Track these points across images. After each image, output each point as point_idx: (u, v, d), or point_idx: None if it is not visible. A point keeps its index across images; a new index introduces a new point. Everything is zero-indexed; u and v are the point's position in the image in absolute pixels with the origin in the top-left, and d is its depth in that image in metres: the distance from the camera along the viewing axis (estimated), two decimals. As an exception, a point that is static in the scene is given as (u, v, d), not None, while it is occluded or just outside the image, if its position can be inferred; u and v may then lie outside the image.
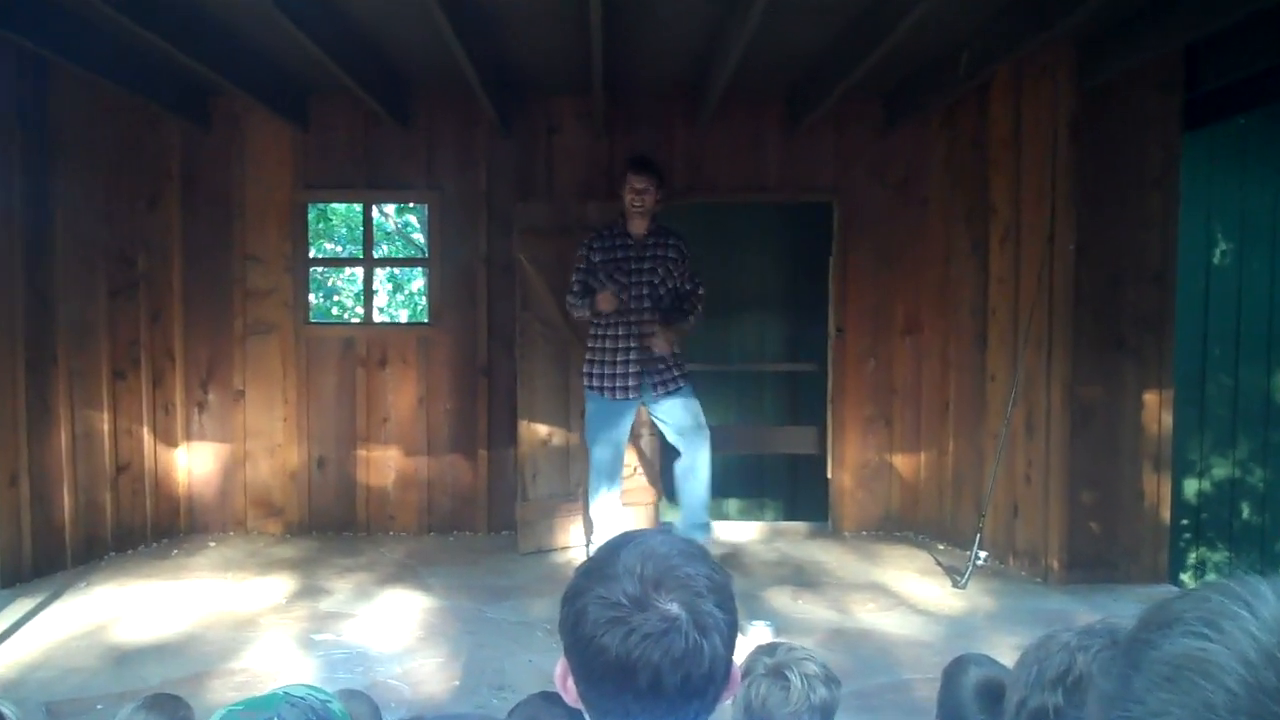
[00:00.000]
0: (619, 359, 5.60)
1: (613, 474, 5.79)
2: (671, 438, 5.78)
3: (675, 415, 5.68)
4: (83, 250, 6.20)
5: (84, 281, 6.23)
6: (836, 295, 7.15)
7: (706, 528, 5.73)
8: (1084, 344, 5.71)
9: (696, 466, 5.65)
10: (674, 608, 1.21)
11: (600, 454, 5.74)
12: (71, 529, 6.05)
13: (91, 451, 6.25)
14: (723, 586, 1.27)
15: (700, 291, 5.77)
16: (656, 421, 5.89)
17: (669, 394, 5.64)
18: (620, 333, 5.59)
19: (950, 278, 6.81)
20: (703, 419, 5.71)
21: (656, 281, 5.62)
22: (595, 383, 5.67)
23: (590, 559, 1.33)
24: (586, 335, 5.83)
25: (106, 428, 6.36)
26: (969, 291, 6.58)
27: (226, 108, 7.00)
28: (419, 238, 16.17)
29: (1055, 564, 5.76)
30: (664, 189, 5.67)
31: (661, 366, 5.62)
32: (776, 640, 2.61)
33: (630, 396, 5.62)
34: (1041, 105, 5.84)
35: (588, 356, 5.75)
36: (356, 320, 15.13)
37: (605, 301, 5.51)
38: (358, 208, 11.85)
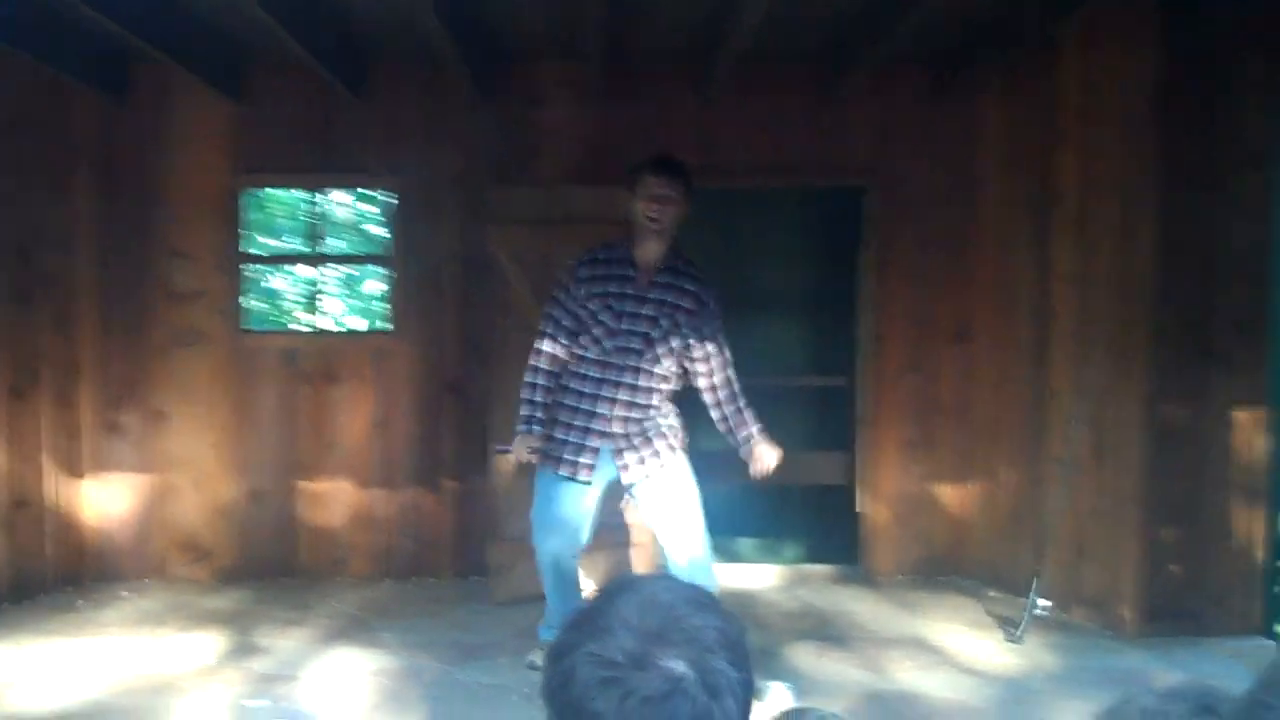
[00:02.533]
0: (576, 425, 4.90)
1: (564, 568, 5.10)
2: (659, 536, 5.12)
3: (659, 507, 4.98)
4: (-29, 245, 6.18)
5: (-27, 282, 6.21)
6: (871, 296, 7.18)
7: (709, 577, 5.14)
8: (1165, 353, 5.69)
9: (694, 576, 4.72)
10: (679, 666, 1.20)
11: (547, 546, 5.05)
12: (-41, 576, 6.02)
13: (-17, 484, 6.23)
14: (736, 641, 1.27)
15: (729, 356, 5.04)
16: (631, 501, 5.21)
17: (648, 477, 4.94)
18: (587, 391, 4.89)
19: (1006, 275, 6.82)
20: (703, 525, 5.03)
21: (656, 336, 4.85)
22: (550, 451, 4.95)
23: (579, 610, 1.33)
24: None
25: (1, 456, 6.32)
26: (1028, 291, 6.58)
27: (149, 77, 6.99)
28: (377, 230, 16.19)
29: (1129, 614, 5.74)
30: (689, 204, 4.90)
31: (640, 439, 4.93)
32: (800, 706, 2.59)
33: (584, 479, 4.91)
34: (1119, 71, 5.84)
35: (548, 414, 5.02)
36: (301, 328, 15.15)
37: (519, 451, 4.93)
38: (304, 195, 11.84)
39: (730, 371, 5.00)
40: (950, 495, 7.23)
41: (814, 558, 7.69)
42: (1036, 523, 6.37)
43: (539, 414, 4.93)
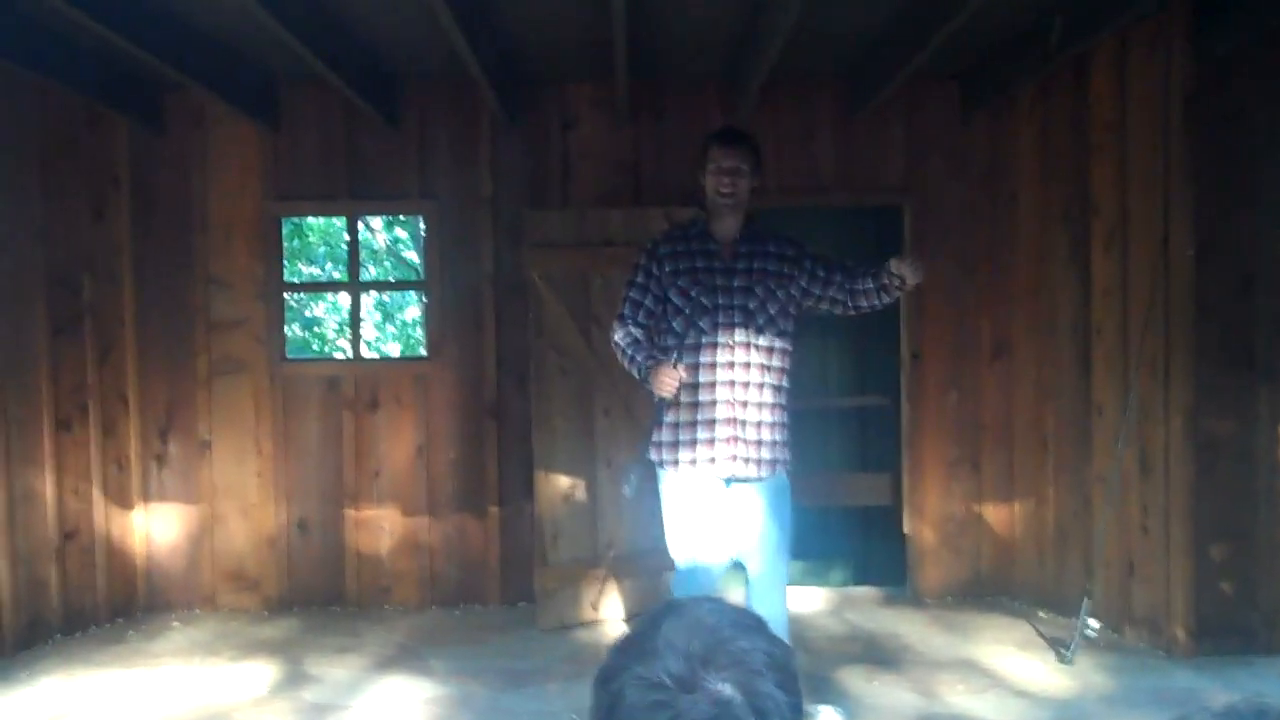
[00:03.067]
0: (700, 419, 4.57)
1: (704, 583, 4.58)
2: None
3: (752, 522, 4.67)
4: (17, 276, 6.23)
5: (19, 314, 6.25)
6: (910, 314, 7.15)
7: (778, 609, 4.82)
8: (1209, 366, 5.64)
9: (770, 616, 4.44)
10: (726, 689, 1.20)
11: (684, 561, 4.64)
12: (10, 609, 6.05)
13: (32, 517, 6.26)
14: (785, 663, 1.26)
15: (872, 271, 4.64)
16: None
17: (757, 479, 4.64)
18: (702, 380, 4.57)
19: (1045, 289, 6.78)
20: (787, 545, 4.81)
21: (754, 306, 4.63)
22: (665, 453, 4.63)
23: (626, 633, 1.33)
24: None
25: (49, 488, 6.38)
26: (1068, 305, 6.55)
27: (184, 105, 7.07)
28: (412, 256, 16.27)
29: (1180, 633, 5.68)
30: (759, 172, 4.84)
31: (754, 428, 4.60)
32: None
33: (721, 474, 4.59)
34: (1152, 79, 5.79)
35: (659, 418, 4.63)
36: (341, 355, 15.21)
37: (664, 384, 4.43)
38: (339, 222, 11.92)
39: (843, 273, 4.73)
40: (996, 515, 7.19)
41: (861, 580, 7.65)
42: (1084, 541, 6.33)
43: (654, 352, 4.59)
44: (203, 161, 7.14)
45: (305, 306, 16.02)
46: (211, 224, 7.14)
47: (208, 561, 7.17)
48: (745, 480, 4.61)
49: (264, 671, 5.79)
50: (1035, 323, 6.88)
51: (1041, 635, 6.22)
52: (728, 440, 4.54)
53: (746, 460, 4.58)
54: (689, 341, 4.56)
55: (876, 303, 4.75)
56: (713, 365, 4.56)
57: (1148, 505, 5.88)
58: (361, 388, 7.21)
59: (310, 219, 14.16)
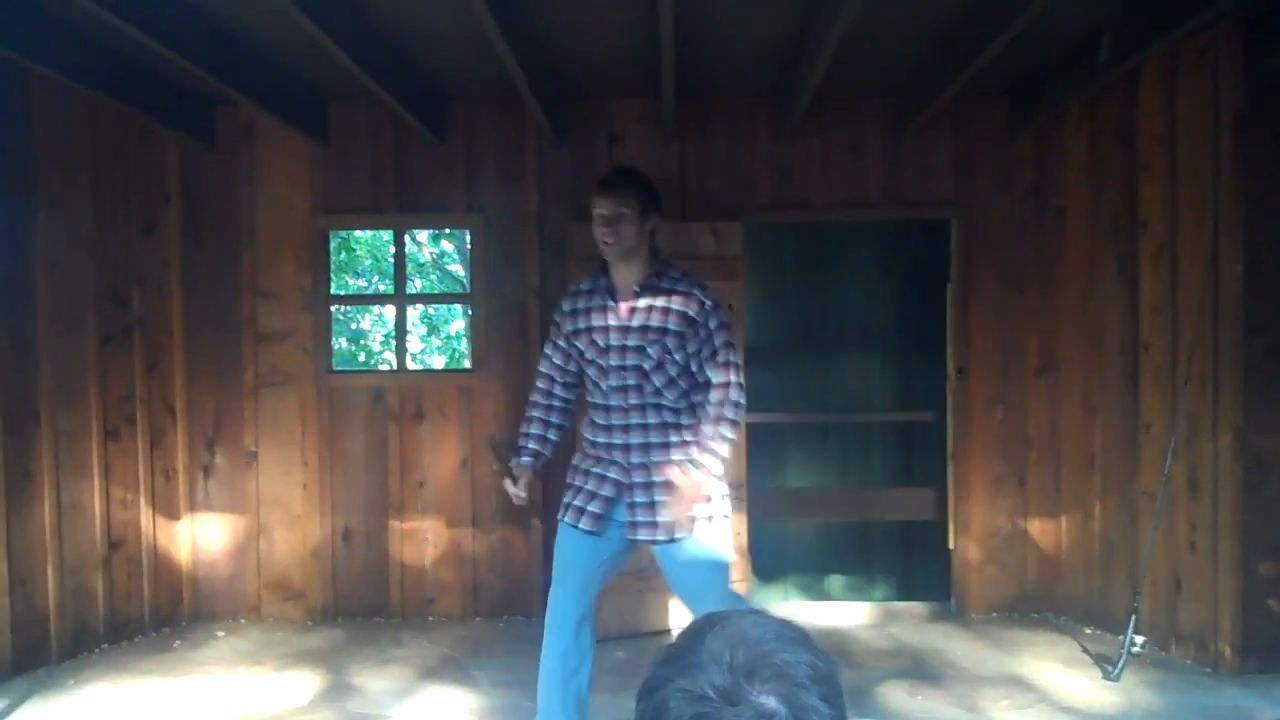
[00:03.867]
0: (592, 471, 4.46)
1: (563, 627, 4.48)
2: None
3: (678, 571, 4.45)
4: (68, 289, 6.29)
5: (70, 325, 6.32)
6: (956, 329, 7.13)
7: None
8: (1258, 383, 5.60)
9: None
10: (771, 701, 1.20)
11: (552, 596, 4.52)
12: (57, 617, 6.12)
13: (80, 526, 6.32)
14: (828, 676, 1.26)
15: (730, 377, 4.30)
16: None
17: (669, 540, 4.34)
18: (598, 440, 4.47)
19: (1093, 305, 6.74)
20: (724, 587, 4.52)
21: (649, 367, 4.31)
22: (565, 497, 4.53)
23: (670, 645, 1.33)
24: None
25: (97, 498, 6.44)
26: (1116, 322, 6.51)
27: (233, 119, 7.16)
28: (458, 269, 16.34)
29: (1228, 650, 5.63)
30: (655, 212, 4.43)
31: (661, 490, 4.33)
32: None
33: (592, 529, 4.39)
34: (1202, 95, 5.76)
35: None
36: (387, 368, 15.28)
37: (512, 494, 4.56)
38: (386, 235, 11.97)
39: (720, 393, 4.27)
40: (1041, 530, 7.15)
41: (905, 595, 7.63)
42: (1131, 558, 6.28)
43: (530, 444, 4.58)
44: (251, 176, 7.21)
45: (351, 319, 16.11)
46: (260, 237, 7.21)
47: (253, 571, 7.22)
48: (651, 538, 4.34)
49: (307, 681, 5.83)
50: (1083, 338, 6.84)
51: (1087, 652, 6.18)
52: (628, 506, 4.36)
53: (650, 523, 4.32)
54: (596, 400, 4.45)
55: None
56: (614, 428, 4.38)
57: (1195, 522, 5.83)
58: (407, 400, 7.25)
59: (357, 232, 14.25)
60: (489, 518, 7.20)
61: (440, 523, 7.21)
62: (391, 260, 11.53)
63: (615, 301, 4.36)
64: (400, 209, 7.28)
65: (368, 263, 16.12)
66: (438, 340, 17.06)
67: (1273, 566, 5.63)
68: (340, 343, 15.18)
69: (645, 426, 4.33)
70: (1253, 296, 5.57)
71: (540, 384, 4.64)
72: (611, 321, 4.35)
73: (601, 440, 4.41)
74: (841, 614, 7.15)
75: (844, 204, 7.18)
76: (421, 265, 16.57)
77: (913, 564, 7.83)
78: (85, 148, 6.41)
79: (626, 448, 4.35)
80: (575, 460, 4.56)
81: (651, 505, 4.30)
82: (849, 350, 8.06)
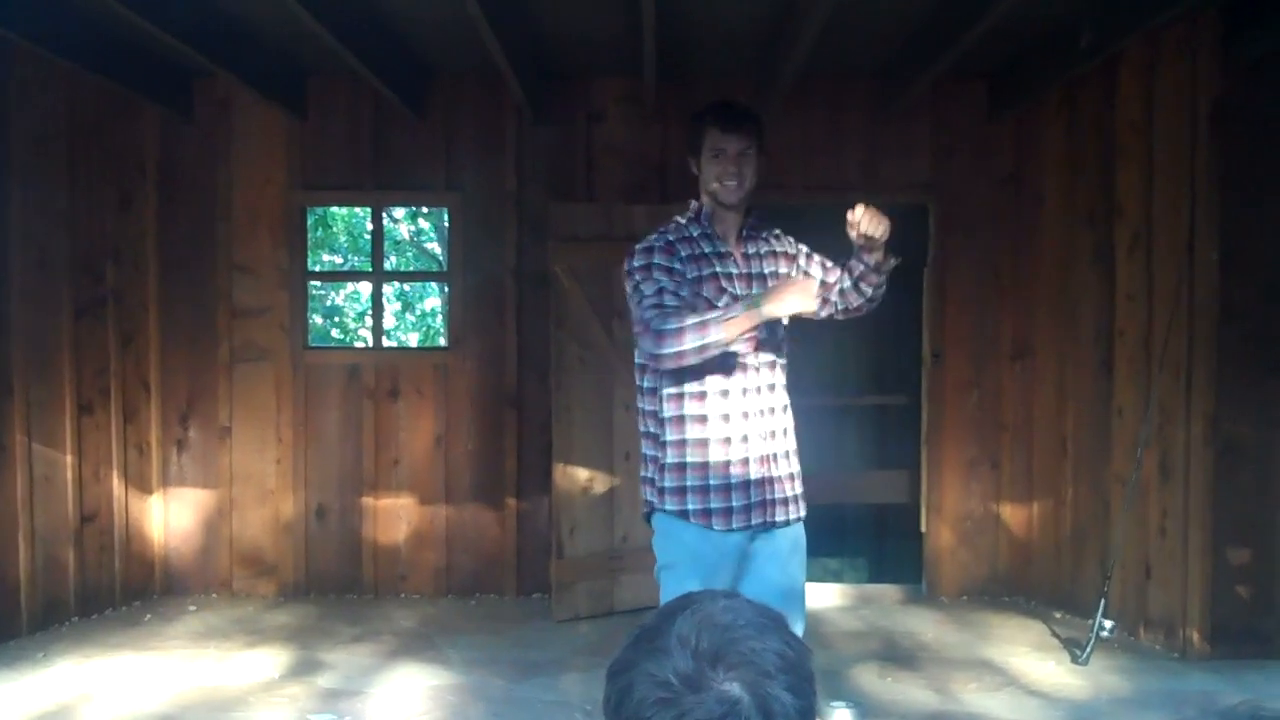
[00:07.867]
0: (734, 458, 3.62)
1: None
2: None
3: (773, 572, 3.78)
4: (42, 261, 6.26)
5: (44, 298, 6.28)
6: (932, 313, 7.15)
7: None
8: (1231, 371, 5.63)
9: None
10: (734, 688, 1.20)
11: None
12: (27, 590, 6.09)
13: (52, 498, 6.30)
14: (797, 664, 1.25)
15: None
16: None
17: (784, 525, 3.79)
18: (725, 411, 3.63)
19: (1069, 292, 6.76)
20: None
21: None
22: (691, 502, 3.61)
23: (641, 626, 1.32)
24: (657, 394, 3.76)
25: (70, 471, 6.41)
26: (1091, 308, 6.53)
27: (211, 93, 7.11)
28: (434, 248, 16.31)
29: (1196, 636, 5.67)
30: (763, 152, 3.84)
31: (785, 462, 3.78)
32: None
33: (744, 525, 3.65)
34: (1180, 83, 5.79)
35: (661, 457, 3.71)
36: (362, 344, 15.24)
37: (807, 295, 3.52)
38: (363, 212, 11.92)
39: (838, 273, 3.94)
40: (1013, 515, 7.18)
41: (878, 578, 7.67)
42: (1102, 543, 6.31)
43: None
44: (229, 150, 7.18)
45: (326, 295, 16.06)
46: (236, 212, 7.18)
47: (225, 547, 7.20)
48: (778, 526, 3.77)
49: (278, 657, 5.82)
50: (1058, 324, 6.86)
51: (1057, 636, 6.21)
52: (758, 484, 3.67)
53: (783, 503, 3.76)
54: (710, 367, 3.57)
55: (863, 301, 3.96)
56: (739, 391, 3.63)
57: (1166, 508, 5.86)
58: (382, 377, 7.23)
59: (334, 209, 14.19)
60: (463, 496, 7.20)
61: (414, 500, 7.20)
62: (368, 237, 11.48)
63: (729, 246, 3.78)
64: (379, 185, 7.26)
65: (343, 239, 16.08)
66: (411, 317, 17.03)
67: (1242, 553, 5.66)
68: (315, 319, 15.14)
69: (773, 388, 3.74)
70: (1228, 284, 5.59)
71: (678, 306, 3.54)
72: (734, 269, 3.74)
73: (720, 412, 3.60)
74: (814, 596, 7.15)
75: (823, 187, 7.17)
76: (399, 243, 16.53)
77: (885, 547, 7.87)
78: (61, 119, 6.36)
79: (761, 414, 3.67)
80: (670, 455, 3.68)
81: (781, 487, 3.75)
82: (823, 335, 8.04)
